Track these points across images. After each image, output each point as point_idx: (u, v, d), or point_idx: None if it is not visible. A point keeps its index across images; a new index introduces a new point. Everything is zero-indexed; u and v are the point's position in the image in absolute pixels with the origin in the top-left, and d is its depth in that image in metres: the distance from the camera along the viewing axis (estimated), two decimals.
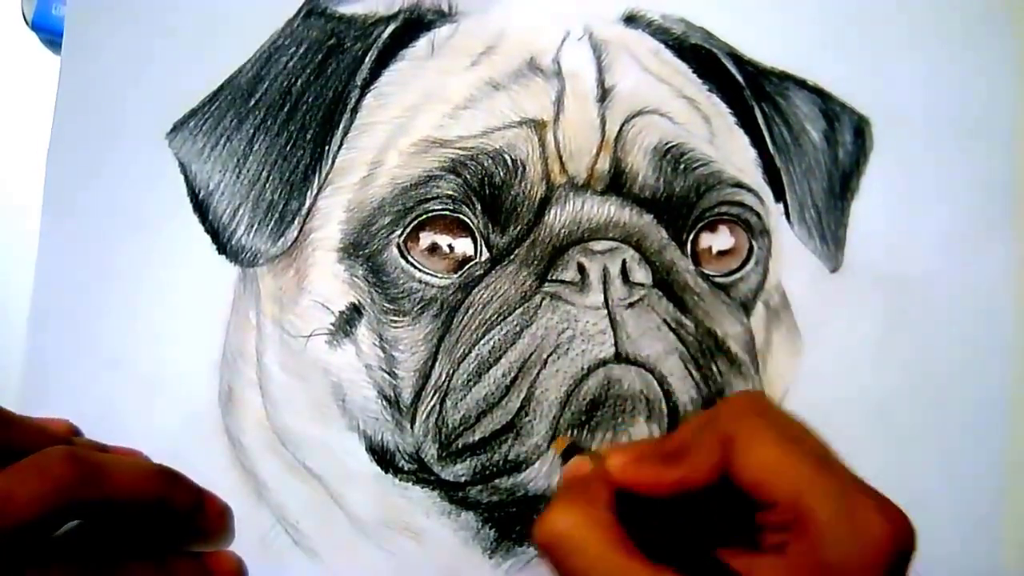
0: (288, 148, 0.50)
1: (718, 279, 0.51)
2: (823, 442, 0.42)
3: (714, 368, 0.49)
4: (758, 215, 0.52)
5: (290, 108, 0.50)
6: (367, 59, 0.50)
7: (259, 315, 0.51)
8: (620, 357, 0.48)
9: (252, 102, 0.51)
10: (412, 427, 0.49)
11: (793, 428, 0.42)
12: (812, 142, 0.54)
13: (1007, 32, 0.57)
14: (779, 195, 0.54)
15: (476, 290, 0.49)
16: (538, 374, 0.47)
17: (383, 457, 0.50)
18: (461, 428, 0.48)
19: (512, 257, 0.49)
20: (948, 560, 0.52)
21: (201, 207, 0.51)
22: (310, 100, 0.50)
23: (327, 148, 0.50)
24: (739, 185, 0.52)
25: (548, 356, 0.48)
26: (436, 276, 0.49)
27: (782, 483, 0.38)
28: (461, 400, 0.48)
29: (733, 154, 0.53)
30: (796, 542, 0.38)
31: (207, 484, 0.49)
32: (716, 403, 0.44)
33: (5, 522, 0.38)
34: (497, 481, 0.48)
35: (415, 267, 0.49)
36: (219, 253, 0.51)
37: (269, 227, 0.50)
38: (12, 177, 0.54)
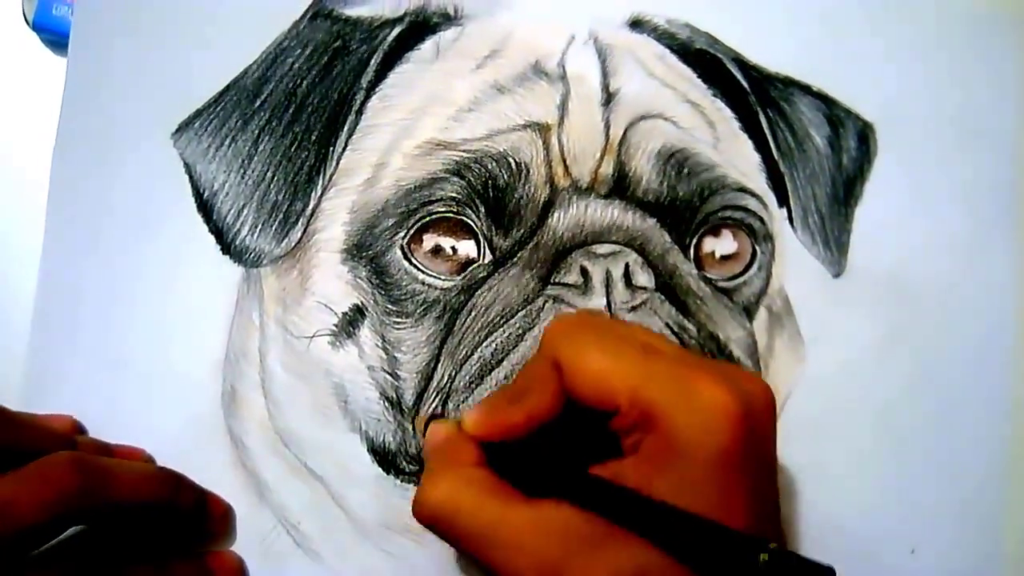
0: (293, 149, 0.50)
1: (721, 283, 0.51)
2: (646, 331, 0.43)
3: None
4: (761, 220, 0.52)
5: (295, 109, 0.50)
6: (372, 61, 0.50)
7: (262, 316, 0.51)
8: None
9: (257, 103, 0.51)
10: (414, 428, 0.49)
11: (614, 329, 0.43)
12: (816, 147, 0.54)
13: (1011, 37, 0.57)
14: (783, 200, 0.54)
15: (479, 292, 0.49)
16: None
17: (385, 458, 0.50)
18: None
19: (515, 260, 0.49)
20: (949, 565, 0.52)
21: (205, 207, 0.51)
22: (315, 102, 0.50)
23: (332, 149, 0.50)
24: (743, 190, 0.52)
25: None
26: (439, 278, 0.49)
27: (616, 387, 0.39)
28: (463, 402, 0.48)
29: (737, 159, 0.53)
30: (647, 437, 0.38)
31: (209, 484, 0.49)
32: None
33: (8, 528, 0.39)
34: None
35: (418, 269, 0.49)
36: (223, 253, 0.51)
37: (273, 228, 0.50)
38: (14, 176, 0.54)
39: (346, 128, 0.50)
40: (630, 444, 0.39)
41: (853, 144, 0.55)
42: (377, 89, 0.51)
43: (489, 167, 0.49)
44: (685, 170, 0.51)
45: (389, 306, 0.49)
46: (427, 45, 0.52)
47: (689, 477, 0.37)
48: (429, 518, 0.39)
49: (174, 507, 0.46)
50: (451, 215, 0.49)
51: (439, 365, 0.49)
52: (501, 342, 0.48)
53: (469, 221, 0.49)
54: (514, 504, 0.38)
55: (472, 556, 0.38)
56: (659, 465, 0.37)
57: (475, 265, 0.49)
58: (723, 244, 0.52)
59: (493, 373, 0.48)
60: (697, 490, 0.36)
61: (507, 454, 0.41)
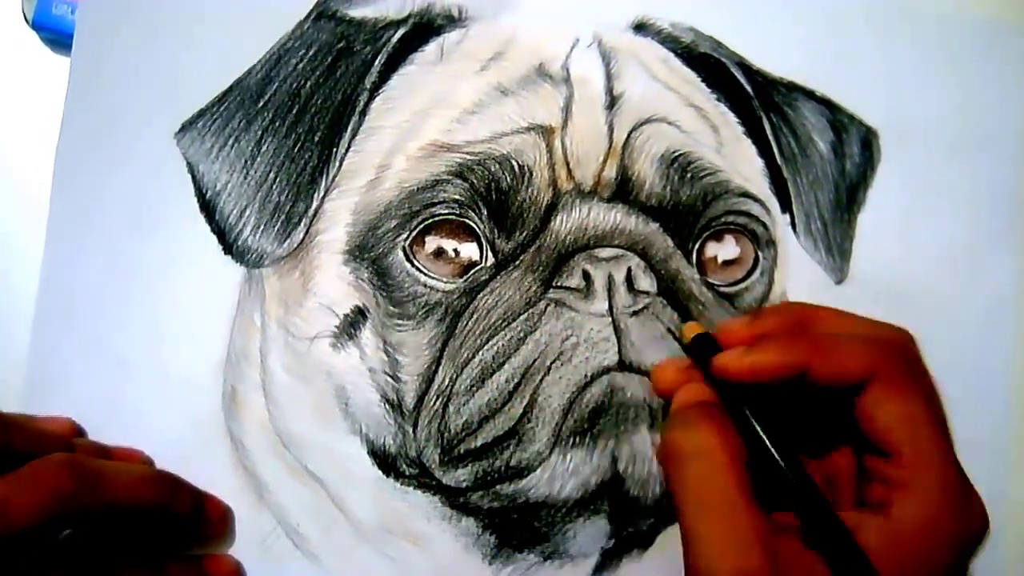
0: (296, 150, 0.50)
1: (723, 289, 0.51)
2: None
3: None
4: (764, 225, 0.52)
5: (299, 110, 0.50)
6: (376, 62, 0.50)
7: (264, 316, 0.51)
8: (623, 365, 0.48)
9: (261, 103, 0.51)
10: (414, 431, 0.49)
11: (932, 387, 0.42)
12: (820, 153, 0.54)
13: (1014, 44, 0.57)
14: (786, 206, 0.54)
15: (481, 295, 0.49)
16: (541, 380, 0.47)
17: (385, 461, 0.50)
18: (463, 433, 0.48)
19: (517, 263, 0.49)
20: None
21: (208, 207, 0.51)
22: (319, 102, 0.50)
23: (335, 150, 0.50)
24: (746, 195, 0.52)
25: (551, 363, 0.47)
26: (441, 280, 0.49)
27: (916, 441, 0.38)
28: (464, 405, 0.48)
29: (740, 164, 0.53)
30: (902, 505, 0.38)
31: (209, 485, 0.49)
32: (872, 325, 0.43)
33: (2, 530, 0.39)
34: (498, 487, 0.48)
35: (420, 271, 0.49)
36: (225, 253, 0.51)
37: (275, 228, 0.50)
38: (14, 176, 0.54)
39: (349, 129, 0.50)
40: (878, 497, 0.39)
41: (856, 150, 0.55)
42: (381, 90, 0.51)
43: (492, 169, 0.49)
44: (688, 174, 0.51)
45: (391, 308, 0.49)
46: (431, 47, 0.52)
47: (912, 570, 0.37)
48: (675, 455, 0.39)
49: (171, 509, 0.46)
50: (454, 217, 0.49)
51: (440, 368, 0.48)
52: (503, 345, 0.48)
53: (471, 223, 0.49)
54: (752, 506, 0.37)
55: (677, 508, 0.39)
56: (898, 543, 0.37)
57: (477, 268, 0.49)
58: (726, 249, 0.52)
59: (495, 376, 0.48)
60: None
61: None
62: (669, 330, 0.49)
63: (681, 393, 0.43)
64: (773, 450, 0.39)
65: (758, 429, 0.39)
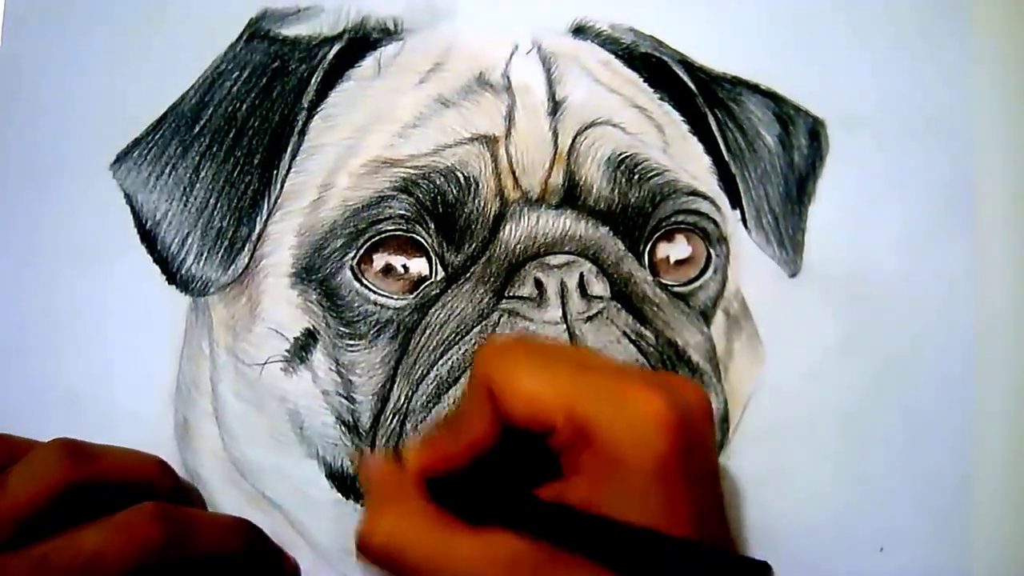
0: (236, 174, 0.49)
1: (677, 288, 0.51)
2: (578, 349, 0.44)
3: None
4: (715, 223, 0.52)
5: (236, 133, 0.50)
6: (313, 80, 0.50)
7: (212, 344, 0.50)
8: None
9: (197, 129, 0.50)
10: (372, 451, 0.48)
11: (545, 348, 0.43)
12: (767, 147, 0.54)
13: (961, 28, 0.57)
14: (735, 202, 0.53)
15: (433, 310, 0.48)
16: None
17: (344, 483, 0.49)
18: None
19: (468, 275, 0.48)
20: (916, 564, 0.52)
21: (149, 237, 0.50)
22: (256, 124, 0.50)
23: (275, 172, 0.49)
24: (694, 193, 0.52)
25: None
26: (391, 297, 0.48)
27: (549, 406, 0.38)
28: (421, 422, 0.47)
29: (688, 162, 0.52)
30: (585, 453, 0.38)
31: None
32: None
33: None
34: None
35: (369, 289, 0.48)
36: (169, 283, 0.50)
37: (219, 255, 0.49)
38: None
39: (289, 150, 0.49)
40: (570, 463, 0.38)
41: (804, 141, 0.55)
42: (319, 109, 0.50)
43: (437, 183, 0.49)
44: (635, 176, 0.50)
45: (341, 328, 0.48)
46: (368, 62, 0.51)
47: (630, 489, 0.36)
48: (375, 554, 0.39)
49: (251, 560, 0.46)
50: (401, 233, 0.48)
51: (395, 386, 0.48)
52: (457, 359, 0.47)
53: (419, 238, 0.48)
54: (460, 534, 0.38)
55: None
56: (599, 481, 0.37)
57: (428, 283, 0.49)
58: (677, 249, 0.51)
59: (450, 391, 0.47)
60: (639, 502, 0.36)
61: (448, 485, 0.40)
62: (625, 334, 0.48)
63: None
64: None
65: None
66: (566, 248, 0.49)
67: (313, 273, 0.49)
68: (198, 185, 0.49)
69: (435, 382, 0.47)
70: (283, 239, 0.49)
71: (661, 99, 0.53)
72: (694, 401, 0.39)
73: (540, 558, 0.36)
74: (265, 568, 0.48)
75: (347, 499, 0.49)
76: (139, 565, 0.40)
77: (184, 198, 0.50)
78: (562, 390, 0.39)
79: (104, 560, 0.39)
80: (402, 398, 0.48)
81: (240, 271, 0.49)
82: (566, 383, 0.39)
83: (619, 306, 0.49)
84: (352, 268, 0.48)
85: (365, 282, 0.48)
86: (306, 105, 0.50)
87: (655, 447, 0.37)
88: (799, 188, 0.54)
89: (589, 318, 0.48)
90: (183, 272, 0.50)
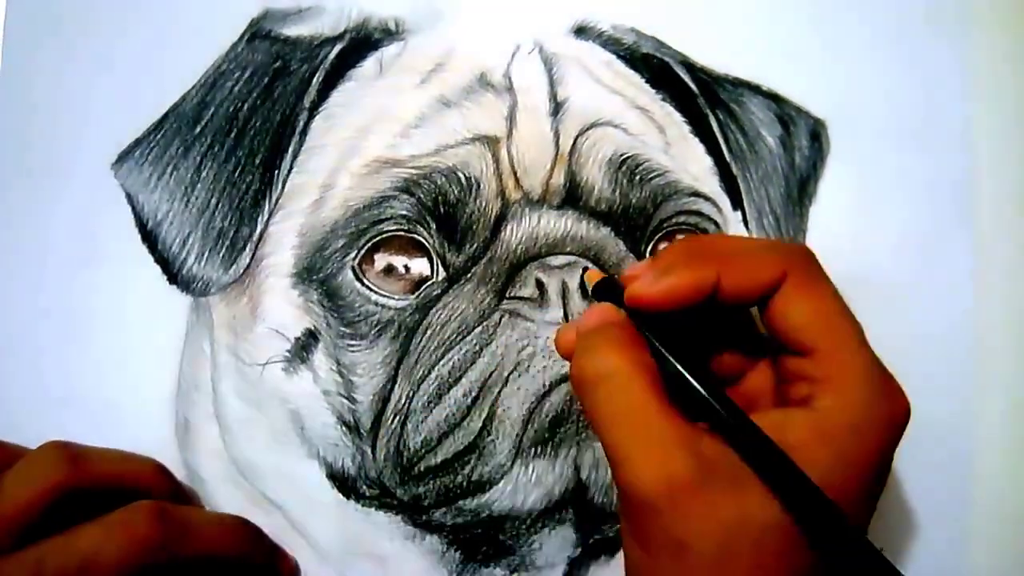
0: (237, 174, 0.49)
1: None
2: None
3: None
4: (716, 224, 0.52)
5: (237, 133, 0.50)
6: (314, 80, 0.50)
7: (213, 345, 0.50)
8: None
9: (198, 129, 0.50)
10: (373, 452, 0.48)
11: (835, 288, 0.41)
12: (768, 148, 0.54)
13: (961, 31, 0.57)
14: (737, 203, 0.53)
15: (434, 310, 0.48)
16: (499, 392, 0.47)
17: (344, 483, 0.49)
18: (423, 451, 0.47)
19: (469, 275, 0.48)
20: (915, 567, 0.52)
21: (150, 237, 0.50)
22: (257, 124, 0.50)
23: (277, 172, 0.49)
24: (696, 194, 0.52)
25: (509, 374, 0.47)
26: (392, 298, 0.48)
27: (830, 333, 0.39)
28: (422, 422, 0.47)
29: (689, 163, 0.52)
30: (825, 397, 0.37)
31: None
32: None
33: None
34: (461, 503, 0.48)
35: (371, 289, 0.48)
36: (170, 283, 0.50)
37: (220, 255, 0.49)
38: None
39: (290, 150, 0.49)
40: (800, 393, 0.38)
41: (805, 142, 0.55)
42: (320, 109, 0.50)
43: (439, 183, 0.49)
44: (637, 177, 0.50)
45: (343, 329, 0.48)
46: (369, 62, 0.51)
47: (844, 458, 0.36)
48: (586, 380, 0.38)
49: (249, 560, 0.46)
50: (402, 233, 0.48)
51: (396, 386, 0.48)
52: (458, 359, 0.47)
53: (421, 238, 0.48)
54: (672, 413, 0.37)
55: (597, 433, 0.38)
56: (823, 433, 0.37)
57: (429, 283, 0.49)
58: None
59: (451, 391, 0.47)
60: (844, 473, 0.36)
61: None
62: None
63: (583, 319, 0.41)
64: (680, 368, 0.38)
65: (662, 350, 0.39)
66: (567, 249, 0.49)
67: (314, 273, 0.49)
68: (199, 185, 0.49)
69: (436, 382, 0.47)
70: (284, 239, 0.49)
71: (663, 100, 0.53)
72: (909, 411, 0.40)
73: (733, 471, 0.36)
74: (264, 567, 0.47)
75: (347, 499, 0.49)
76: (136, 564, 0.40)
77: (185, 198, 0.50)
78: (848, 331, 0.39)
79: (101, 559, 0.39)
80: (403, 398, 0.48)
81: (241, 271, 0.49)
82: (852, 328, 0.39)
83: None
84: (353, 268, 0.48)
85: (366, 282, 0.48)
86: (307, 105, 0.50)
87: (887, 438, 0.38)
88: (800, 189, 0.54)
89: None
90: (184, 272, 0.50)
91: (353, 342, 0.48)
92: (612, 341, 0.39)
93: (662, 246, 0.51)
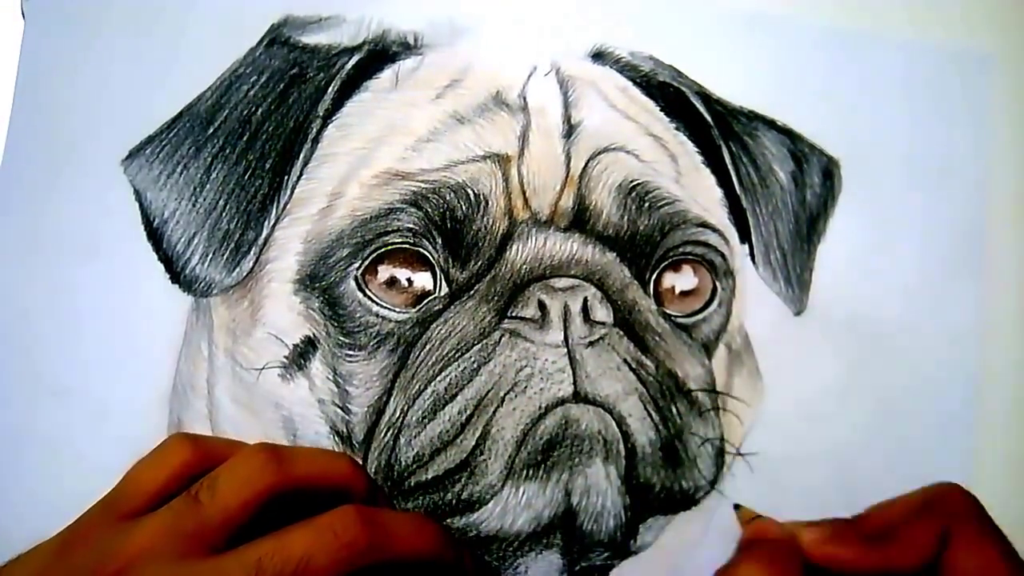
0: (246, 177, 0.49)
1: (680, 319, 0.51)
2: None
3: (673, 410, 0.49)
4: (723, 256, 0.52)
5: (250, 137, 0.50)
6: (330, 89, 0.50)
7: (211, 346, 0.50)
8: (579, 396, 0.47)
9: (211, 130, 0.50)
10: (364, 464, 0.48)
11: (1007, 542, 0.42)
12: (780, 183, 0.54)
13: (976, 74, 0.57)
14: (744, 236, 0.53)
15: (434, 325, 0.48)
16: (495, 412, 0.47)
17: None
18: (414, 466, 0.47)
19: (472, 292, 0.48)
20: None
21: (155, 235, 0.50)
22: (270, 129, 0.50)
23: (286, 178, 0.49)
24: (704, 225, 0.52)
25: (505, 394, 0.47)
26: (394, 310, 0.48)
27: None
28: (415, 437, 0.47)
29: (699, 193, 0.52)
30: None
31: None
32: (922, 492, 0.44)
33: None
34: (449, 520, 0.48)
35: (372, 300, 0.48)
36: (172, 282, 0.50)
37: (224, 257, 0.49)
38: None
39: (302, 157, 0.49)
40: None
41: (817, 180, 0.54)
42: (334, 118, 0.50)
43: (447, 198, 0.49)
44: (646, 204, 0.50)
45: (341, 338, 0.48)
46: (386, 74, 0.51)
47: None
48: None
49: (441, 561, 0.46)
50: (407, 246, 0.48)
51: (391, 399, 0.48)
52: (456, 376, 0.47)
53: (426, 253, 0.48)
54: None
55: None
56: None
57: (431, 298, 0.49)
58: (683, 280, 0.51)
59: (447, 408, 0.47)
60: None
61: None
62: (625, 361, 0.48)
63: None
64: None
65: None
66: (572, 271, 0.49)
67: (317, 281, 0.49)
68: (208, 186, 0.50)
69: (432, 398, 0.47)
70: (289, 245, 0.49)
71: (676, 129, 0.53)
72: None
73: None
74: (453, 570, 0.47)
75: None
76: (345, 568, 0.40)
77: (193, 198, 0.50)
78: None
79: (313, 563, 0.39)
80: (397, 412, 0.47)
81: (244, 274, 0.49)
82: None
83: (621, 333, 0.48)
84: (356, 278, 0.48)
85: (368, 293, 0.48)
86: (321, 113, 0.50)
87: None
88: (809, 226, 0.54)
89: (591, 343, 0.48)
90: (187, 272, 0.50)
91: (351, 352, 0.48)
92: (766, 559, 0.41)
93: (667, 275, 0.51)
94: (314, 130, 0.50)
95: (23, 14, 0.52)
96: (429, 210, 0.48)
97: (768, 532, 0.44)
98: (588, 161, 0.50)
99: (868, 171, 0.55)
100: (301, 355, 0.49)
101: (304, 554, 0.39)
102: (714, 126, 0.53)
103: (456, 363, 0.47)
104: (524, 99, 0.51)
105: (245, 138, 0.50)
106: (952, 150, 0.56)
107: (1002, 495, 0.53)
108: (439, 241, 0.48)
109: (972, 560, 0.40)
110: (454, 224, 0.48)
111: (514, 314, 0.48)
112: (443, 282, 0.49)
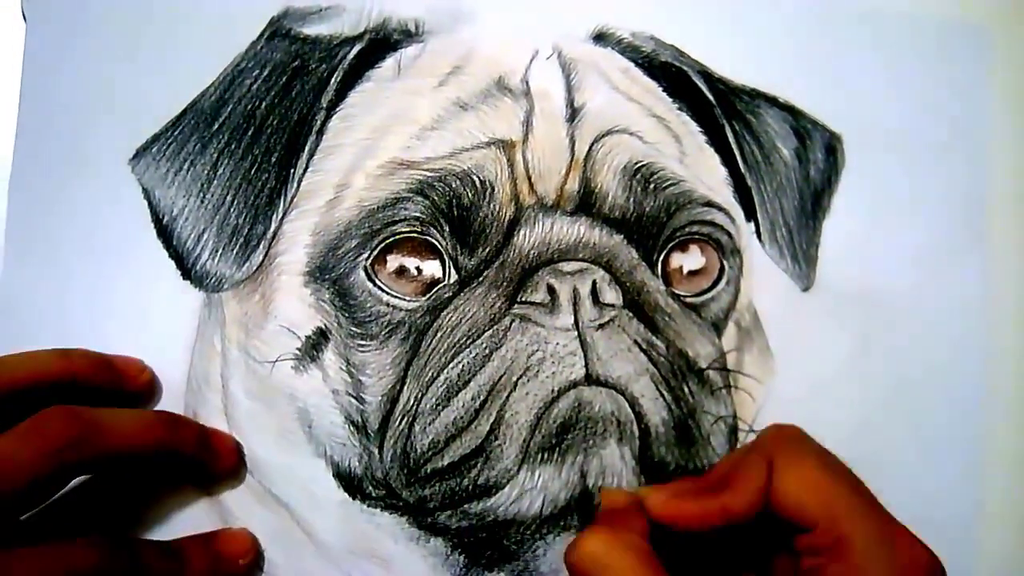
0: (253, 172, 0.49)
1: (689, 299, 0.51)
2: (855, 474, 0.44)
3: (685, 389, 0.49)
4: (729, 234, 0.52)
5: (255, 131, 0.50)
6: (333, 80, 0.50)
7: (224, 341, 0.50)
8: (590, 379, 0.47)
9: (216, 126, 0.50)
10: (380, 452, 0.48)
11: (830, 456, 0.44)
12: (783, 160, 0.54)
13: (980, 47, 0.57)
14: (750, 214, 0.53)
15: (444, 313, 0.48)
16: (508, 397, 0.47)
17: (351, 483, 0.49)
18: (430, 453, 0.47)
19: (481, 279, 0.48)
20: None
21: (165, 232, 0.50)
22: (275, 123, 0.50)
23: (293, 171, 0.49)
24: (710, 204, 0.52)
25: (518, 379, 0.47)
26: (404, 299, 0.48)
27: (822, 504, 0.40)
28: (430, 424, 0.47)
29: (704, 173, 0.52)
30: (833, 565, 0.39)
31: (173, 512, 0.49)
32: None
33: (9, 484, 0.40)
34: (466, 506, 0.48)
35: (382, 290, 0.48)
36: (183, 279, 0.50)
37: (234, 252, 0.49)
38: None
39: (307, 149, 0.49)
40: (809, 566, 0.40)
41: (820, 156, 0.54)
42: (338, 108, 0.50)
43: (453, 186, 0.49)
44: (651, 185, 0.50)
45: (353, 328, 0.49)
46: (388, 63, 0.51)
47: None
48: (579, 565, 0.40)
49: (176, 449, 0.46)
50: (415, 235, 0.48)
51: (405, 388, 0.48)
52: (468, 363, 0.47)
53: (434, 241, 0.49)
54: None
55: None
56: None
57: (440, 285, 0.49)
58: (691, 259, 0.51)
59: (460, 394, 0.47)
60: None
61: (679, 544, 0.41)
62: (636, 342, 0.48)
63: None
64: None
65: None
66: (580, 255, 0.49)
67: (327, 272, 0.49)
68: (215, 182, 0.50)
69: (445, 385, 0.47)
70: (298, 238, 0.49)
71: (680, 109, 0.53)
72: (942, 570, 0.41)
73: None
74: (196, 454, 0.47)
75: (353, 499, 0.49)
76: (52, 465, 0.41)
77: (201, 194, 0.50)
78: (840, 496, 0.40)
79: (17, 463, 0.40)
80: (411, 400, 0.48)
81: (254, 268, 0.49)
82: (846, 492, 0.40)
83: (631, 315, 0.48)
84: (366, 268, 0.48)
85: (378, 283, 0.48)
86: (325, 105, 0.50)
87: None
88: (814, 202, 0.54)
89: (601, 326, 0.48)
90: (198, 268, 0.50)
91: (363, 342, 0.48)
92: (606, 524, 0.43)
93: (674, 255, 0.51)
94: (318, 122, 0.50)
95: (24, 16, 0.52)
96: (436, 198, 0.48)
97: (616, 502, 0.45)
98: (592, 144, 0.50)
99: (871, 145, 0.55)
100: (313, 347, 0.49)
101: (5, 455, 0.40)
102: (717, 105, 0.53)
103: (468, 350, 0.48)
104: (527, 84, 0.51)
105: (250, 133, 0.50)
106: (953, 120, 0.56)
107: (1016, 464, 0.54)
108: (446, 229, 0.48)
109: (792, 479, 0.41)
110: (461, 211, 0.48)
111: (524, 299, 0.48)
112: (452, 269, 0.49)
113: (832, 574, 0.39)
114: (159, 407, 0.49)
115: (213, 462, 0.48)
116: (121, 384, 0.48)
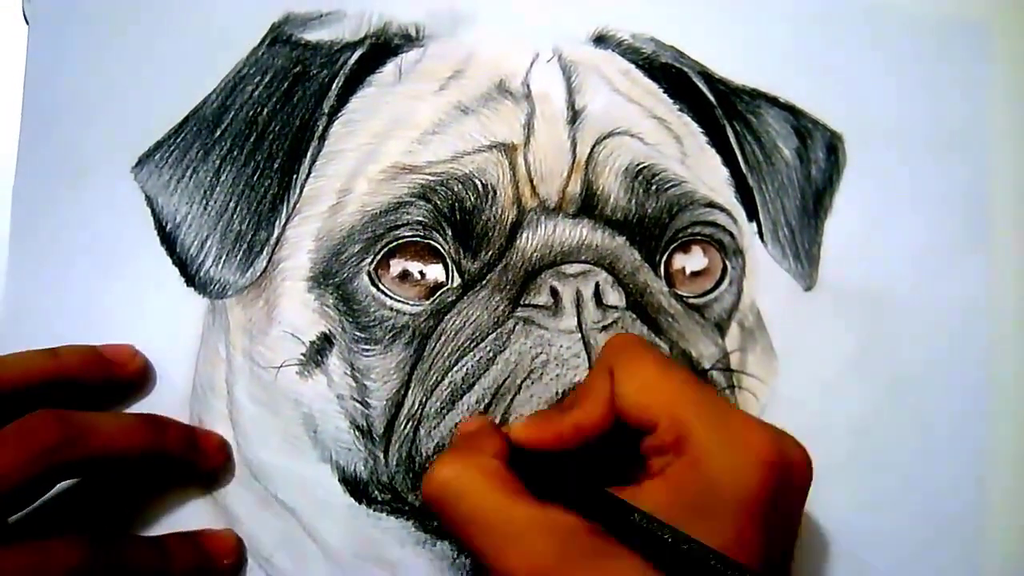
0: (255, 178, 0.50)
1: (692, 300, 0.51)
2: (693, 374, 0.45)
3: None
4: (731, 235, 0.52)
5: (257, 137, 0.50)
6: (334, 86, 0.50)
7: (228, 347, 0.50)
8: None
9: (218, 132, 0.50)
10: (385, 457, 0.48)
11: (667, 359, 0.45)
12: (785, 160, 0.54)
13: (980, 47, 0.57)
14: (752, 214, 0.53)
15: (448, 316, 0.48)
16: (512, 400, 0.47)
17: (356, 488, 0.49)
18: (435, 456, 0.47)
19: (484, 282, 0.48)
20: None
21: (168, 239, 0.50)
22: (277, 129, 0.50)
23: (295, 177, 0.49)
24: (711, 205, 0.52)
25: (522, 381, 0.47)
26: (407, 303, 0.49)
27: (661, 403, 0.40)
28: (435, 428, 0.47)
29: (705, 174, 0.53)
30: (676, 461, 0.39)
31: (178, 518, 0.49)
32: None
33: None
34: None
35: (386, 295, 0.48)
36: (187, 285, 0.50)
37: (237, 258, 0.49)
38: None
39: (309, 155, 0.49)
40: (657, 466, 0.39)
41: (822, 155, 0.55)
42: (339, 114, 0.50)
43: (455, 189, 0.49)
44: (653, 186, 0.50)
45: (357, 333, 0.49)
46: (389, 68, 0.51)
47: (709, 509, 0.37)
48: (432, 494, 0.40)
49: (163, 449, 0.46)
50: (418, 239, 0.49)
51: (409, 392, 0.48)
52: (472, 366, 0.47)
53: (437, 245, 0.49)
54: (521, 500, 0.38)
55: (464, 543, 0.39)
56: (681, 491, 0.38)
57: (444, 289, 0.49)
58: (693, 260, 0.52)
59: (464, 398, 0.47)
60: (712, 525, 0.37)
61: (531, 458, 0.41)
62: None
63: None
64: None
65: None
66: (582, 257, 0.49)
67: (330, 278, 0.49)
68: (218, 189, 0.50)
69: (449, 388, 0.47)
70: (301, 243, 0.49)
71: (680, 110, 0.53)
72: (798, 457, 0.40)
73: (594, 543, 0.37)
74: (184, 454, 0.47)
75: (359, 504, 0.49)
76: (37, 469, 0.41)
77: (204, 201, 0.50)
78: (677, 393, 0.40)
79: (2, 460, 0.40)
80: (416, 404, 0.48)
81: (258, 274, 0.49)
82: (684, 389, 0.40)
83: (634, 316, 0.49)
84: (369, 273, 0.48)
85: (382, 287, 0.48)
86: (327, 110, 0.50)
87: (748, 480, 0.37)
88: (816, 202, 0.54)
89: (604, 327, 0.48)
90: (202, 275, 0.50)
91: (367, 347, 0.49)
92: (457, 449, 0.43)
93: (677, 256, 0.51)
94: (320, 127, 0.50)
95: (25, 19, 0.52)
96: (438, 202, 0.48)
97: (468, 427, 0.45)
98: (594, 146, 0.51)
99: (872, 144, 0.55)
100: (318, 352, 0.49)
101: None
102: (717, 106, 0.53)
103: (472, 353, 0.48)
104: (528, 87, 0.51)
105: (252, 139, 0.50)
106: (954, 118, 0.56)
107: (1018, 462, 0.54)
108: (449, 233, 0.48)
109: (631, 383, 0.41)
110: (463, 215, 0.49)
111: (527, 302, 0.48)
112: (455, 273, 0.49)
113: (676, 470, 0.38)
114: (162, 408, 0.49)
115: (201, 461, 0.48)
116: (113, 373, 0.48)
